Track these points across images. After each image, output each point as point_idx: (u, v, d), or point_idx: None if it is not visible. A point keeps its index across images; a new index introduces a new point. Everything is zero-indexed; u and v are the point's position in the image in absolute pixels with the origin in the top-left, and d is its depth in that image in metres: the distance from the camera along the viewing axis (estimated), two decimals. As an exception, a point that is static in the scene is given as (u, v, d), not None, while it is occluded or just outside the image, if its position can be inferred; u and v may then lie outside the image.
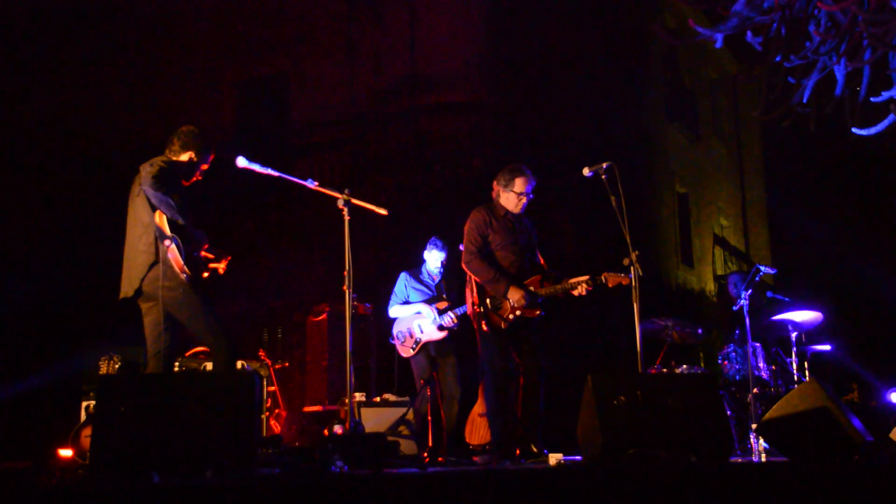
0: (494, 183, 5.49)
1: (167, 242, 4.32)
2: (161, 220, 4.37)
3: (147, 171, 4.38)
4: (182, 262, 4.33)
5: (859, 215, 17.51)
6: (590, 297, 5.38)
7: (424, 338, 6.51)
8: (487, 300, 5.31)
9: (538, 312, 5.30)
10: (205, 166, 4.79)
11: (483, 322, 5.31)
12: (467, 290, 5.52)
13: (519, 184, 5.36)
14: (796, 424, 4.56)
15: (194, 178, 4.79)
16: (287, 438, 6.85)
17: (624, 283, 5.07)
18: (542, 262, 5.58)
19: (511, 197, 5.39)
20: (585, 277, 5.22)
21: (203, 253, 4.51)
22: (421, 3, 11.56)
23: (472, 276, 5.42)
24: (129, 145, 11.31)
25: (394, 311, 6.70)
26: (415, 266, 6.85)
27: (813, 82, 5.94)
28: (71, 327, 8.89)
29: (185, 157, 4.70)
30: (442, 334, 6.49)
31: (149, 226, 4.46)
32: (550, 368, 5.43)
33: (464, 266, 5.47)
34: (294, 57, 12.46)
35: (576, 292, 5.25)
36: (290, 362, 7.89)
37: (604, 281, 5.13)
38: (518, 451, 5.22)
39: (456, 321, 6.46)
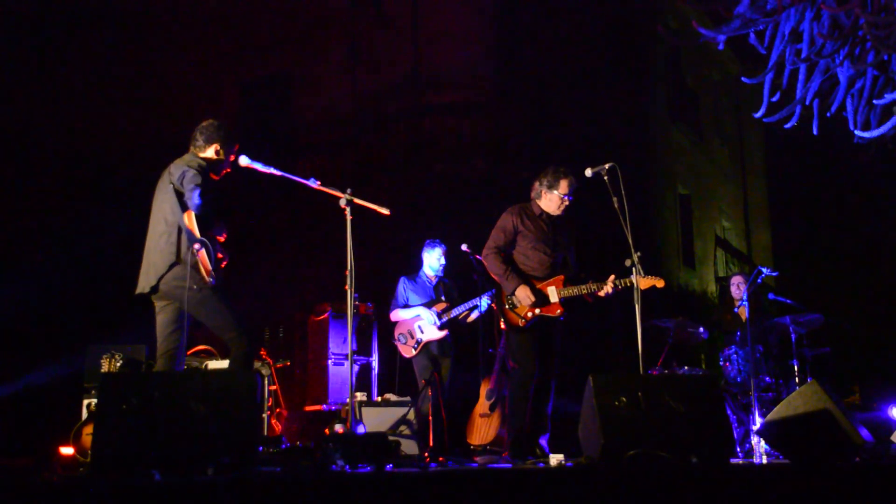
0: (536, 183, 5.50)
1: (197, 246, 4.31)
2: (191, 221, 4.36)
3: (189, 177, 4.38)
4: (210, 267, 4.32)
5: (861, 218, 17.49)
6: (593, 298, 5.38)
7: (425, 338, 6.64)
8: (506, 299, 5.34)
9: (559, 311, 5.31)
10: (232, 157, 4.79)
11: (501, 320, 5.38)
12: None
13: (564, 185, 5.40)
14: (798, 426, 4.56)
15: (224, 171, 4.80)
16: (288, 437, 6.85)
17: (658, 285, 5.04)
18: (574, 264, 5.58)
19: (554, 198, 5.42)
20: (611, 278, 5.23)
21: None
22: (423, 4, 11.57)
23: (490, 273, 5.49)
24: (131, 145, 11.34)
25: (395, 314, 6.85)
26: (414, 268, 6.95)
27: (816, 84, 5.94)
28: (73, 325, 8.90)
29: (210, 151, 4.70)
30: (442, 333, 6.61)
31: (173, 224, 4.47)
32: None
33: (482, 260, 5.55)
34: (296, 57, 12.47)
35: (602, 293, 5.26)
36: (291, 361, 7.90)
37: (632, 284, 5.09)
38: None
39: (470, 318, 6.58)
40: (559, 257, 5.46)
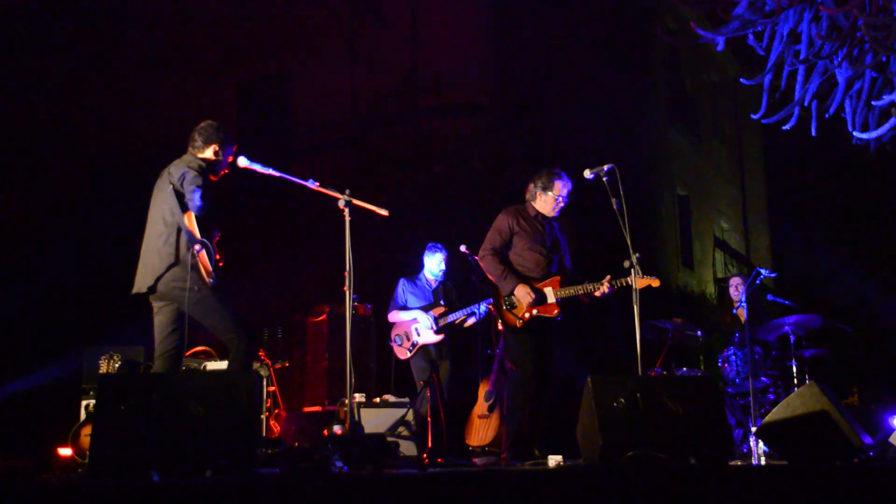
0: (530, 185, 5.53)
1: (197, 247, 4.32)
2: (191, 223, 4.37)
3: (190, 178, 4.38)
4: (210, 268, 4.33)
5: (860, 219, 17.51)
6: (590, 298, 5.39)
7: (421, 341, 6.67)
8: (503, 300, 5.35)
9: (556, 311, 5.31)
10: (230, 158, 4.80)
11: (499, 321, 5.40)
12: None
13: (558, 186, 5.44)
14: (796, 427, 4.56)
15: (223, 172, 4.81)
16: (287, 438, 6.85)
17: (654, 284, 5.06)
18: (570, 266, 5.60)
19: (549, 199, 5.46)
20: (607, 278, 5.24)
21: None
22: (422, 4, 11.56)
23: (487, 274, 5.50)
24: (130, 145, 11.33)
25: (392, 315, 6.86)
26: (414, 269, 6.96)
27: (815, 86, 5.94)
28: (71, 326, 8.89)
29: (209, 152, 4.71)
30: (438, 338, 6.63)
31: (172, 225, 4.47)
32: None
33: (479, 261, 5.56)
34: (295, 57, 12.46)
35: (598, 293, 5.28)
36: (289, 362, 7.90)
37: (629, 283, 5.11)
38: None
39: (467, 322, 6.58)
40: (555, 258, 5.48)
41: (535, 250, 5.41)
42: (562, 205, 5.47)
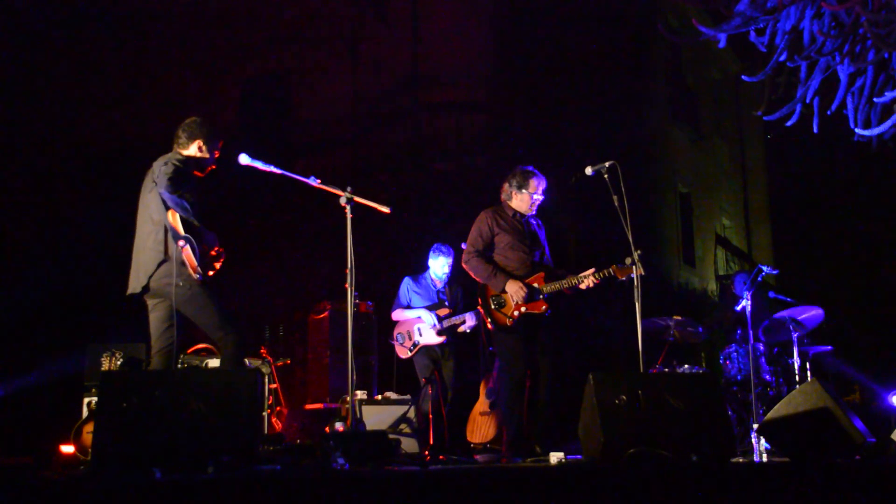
0: (505, 185, 5.54)
1: (181, 243, 4.32)
2: (175, 219, 4.37)
3: (163, 171, 4.37)
4: (196, 263, 4.33)
5: (862, 215, 17.47)
6: (591, 295, 5.40)
7: (423, 341, 6.66)
8: (491, 299, 5.35)
9: (544, 307, 5.32)
10: (216, 153, 4.79)
11: (488, 321, 5.38)
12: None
13: (533, 184, 5.46)
14: (798, 424, 4.56)
15: (209, 168, 4.80)
16: (288, 435, 6.86)
17: (637, 272, 5.07)
18: (550, 261, 5.61)
19: (525, 198, 5.47)
20: (591, 271, 5.24)
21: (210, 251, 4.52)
22: (423, 2, 11.57)
23: (473, 276, 5.48)
24: (130, 144, 11.33)
25: (396, 314, 6.85)
26: (417, 267, 6.97)
27: (816, 82, 5.93)
28: (73, 323, 8.90)
29: (193, 147, 4.70)
30: (440, 339, 6.62)
31: (159, 223, 4.47)
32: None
33: (463, 265, 5.53)
34: (296, 55, 12.47)
35: (583, 286, 5.29)
36: (291, 360, 7.90)
37: (612, 273, 5.15)
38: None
39: (465, 327, 6.55)
40: (536, 255, 5.51)
41: (517, 249, 5.43)
42: (539, 202, 5.49)
